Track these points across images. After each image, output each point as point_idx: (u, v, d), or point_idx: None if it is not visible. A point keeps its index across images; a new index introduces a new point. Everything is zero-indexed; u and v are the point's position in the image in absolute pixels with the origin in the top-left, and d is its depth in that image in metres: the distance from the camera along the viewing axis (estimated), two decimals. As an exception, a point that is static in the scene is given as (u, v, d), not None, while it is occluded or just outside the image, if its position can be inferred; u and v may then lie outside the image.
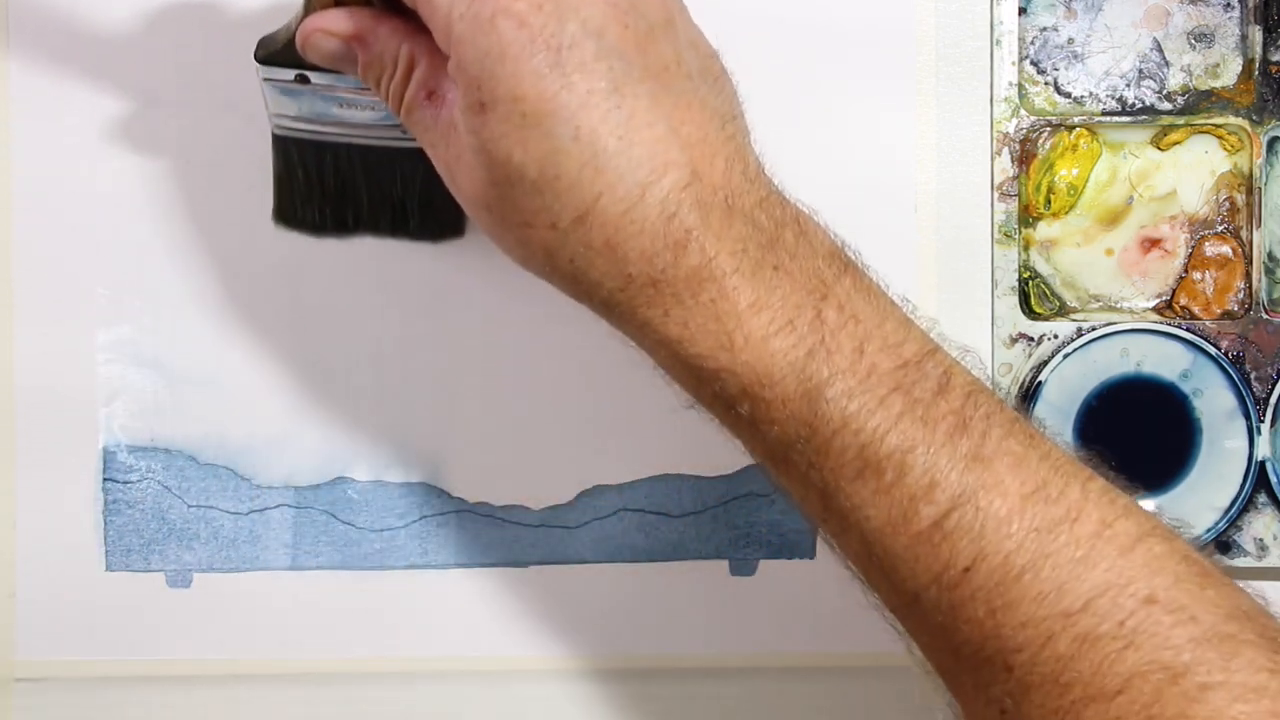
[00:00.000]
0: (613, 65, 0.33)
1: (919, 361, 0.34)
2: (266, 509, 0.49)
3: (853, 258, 0.36)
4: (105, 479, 0.49)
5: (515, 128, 0.33)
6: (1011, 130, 0.49)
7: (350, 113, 0.42)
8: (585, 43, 0.33)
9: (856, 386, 0.33)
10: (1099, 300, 0.50)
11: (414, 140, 0.38)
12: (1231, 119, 0.49)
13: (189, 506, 0.49)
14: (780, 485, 0.36)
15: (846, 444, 0.33)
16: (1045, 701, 0.32)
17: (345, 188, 0.45)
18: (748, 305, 0.34)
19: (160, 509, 0.49)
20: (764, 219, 0.35)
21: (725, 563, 0.49)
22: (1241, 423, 0.49)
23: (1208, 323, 0.49)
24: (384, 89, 0.38)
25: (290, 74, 0.41)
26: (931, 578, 0.34)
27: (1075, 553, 0.33)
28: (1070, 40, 0.50)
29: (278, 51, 0.41)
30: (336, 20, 0.38)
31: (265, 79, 0.42)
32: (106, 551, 0.49)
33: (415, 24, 0.36)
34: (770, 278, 0.34)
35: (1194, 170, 0.50)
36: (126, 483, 0.49)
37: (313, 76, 0.41)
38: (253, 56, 0.41)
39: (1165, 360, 0.49)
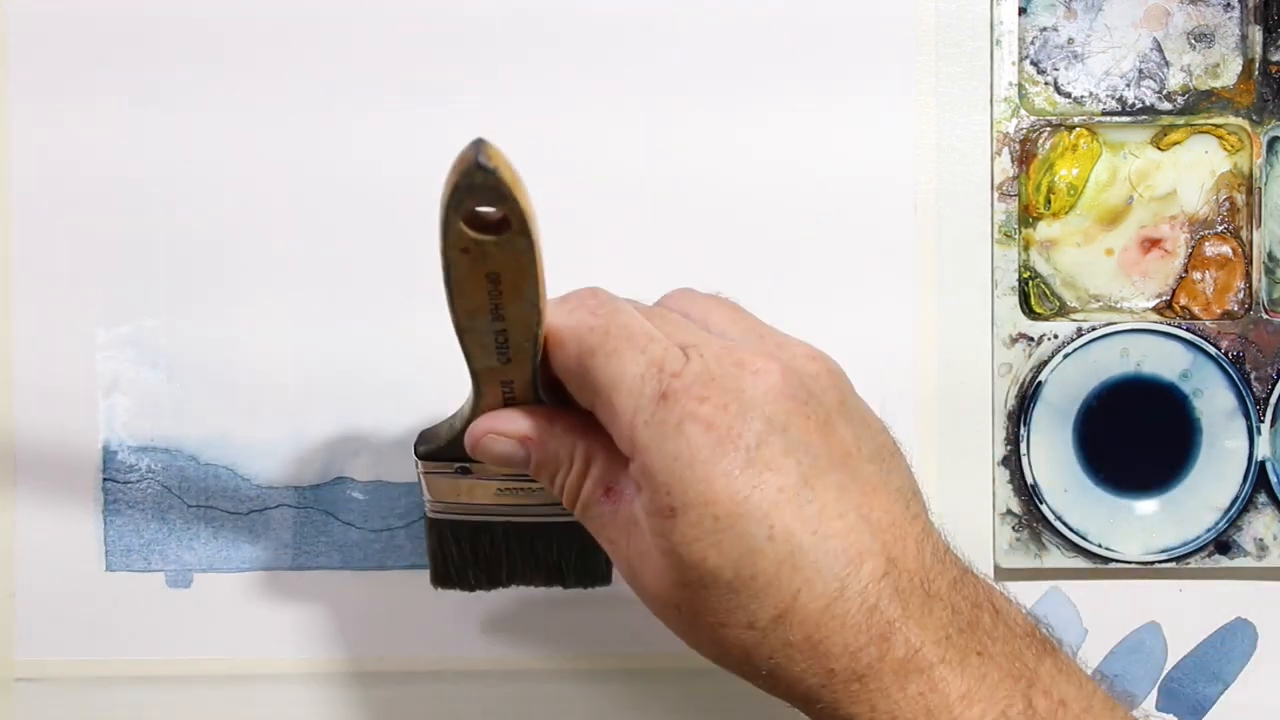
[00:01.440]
0: (800, 459, 0.33)
1: None
2: (267, 509, 0.49)
3: (1048, 635, 0.36)
4: (105, 479, 0.49)
5: (708, 531, 0.32)
6: (1011, 130, 0.49)
7: (508, 495, 0.41)
8: (772, 439, 0.33)
9: None
10: (1099, 300, 0.50)
11: (571, 516, 0.37)
12: (1231, 119, 0.49)
13: (189, 506, 0.49)
14: None
15: None
16: None
17: (500, 559, 0.43)
18: (959, 697, 0.33)
19: (160, 509, 0.49)
20: (961, 602, 0.34)
21: (725, 563, 0.49)
22: (1241, 423, 0.49)
23: (1208, 323, 0.49)
24: (558, 485, 0.37)
25: (453, 467, 0.40)
26: None
27: None
28: (1070, 40, 0.50)
29: (441, 447, 0.39)
30: (510, 421, 0.37)
31: (425, 472, 0.41)
32: (106, 551, 0.49)
33: (589, 419, 0.36)
34: (977, 666, 0.33)
35: (1194, 170, 0.50)
36: (127, 483, 0.49)
37: (473, 467, 0.40)
38: (413, 451, 0.40)
39: (1165, 360, 0.49)
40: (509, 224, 0.32)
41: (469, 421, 0.38)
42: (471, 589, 0.44)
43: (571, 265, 0.48)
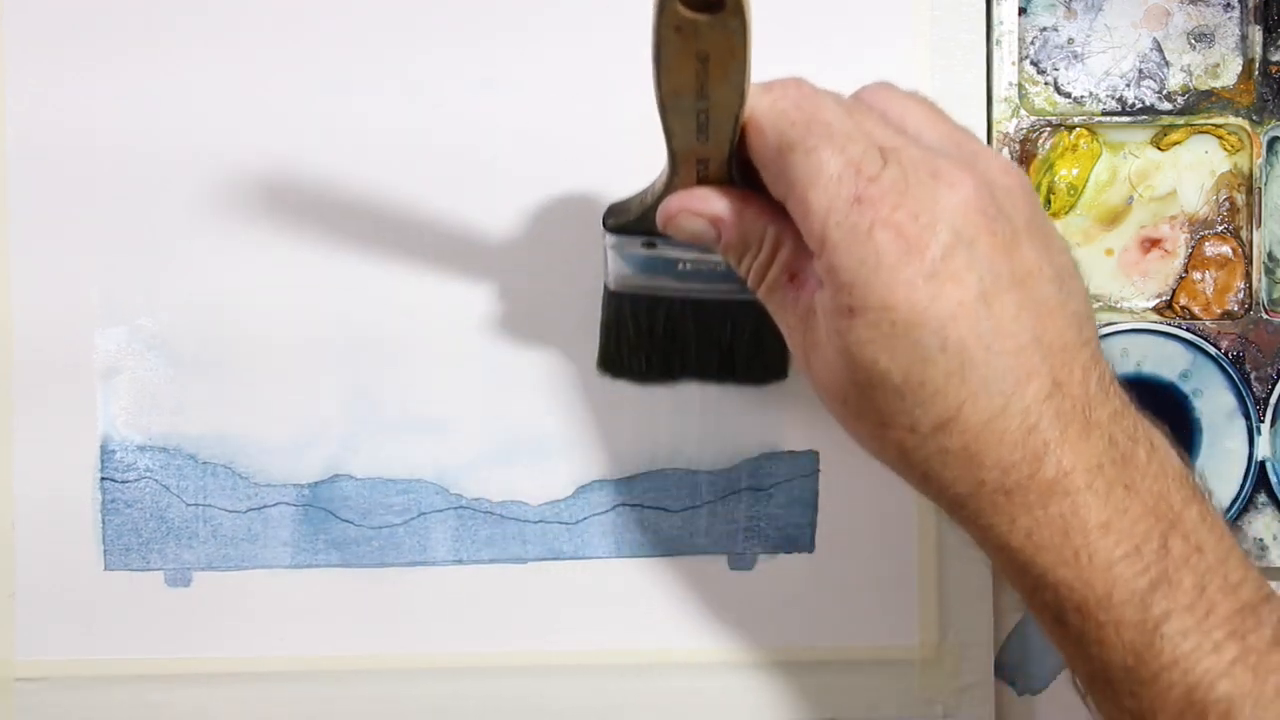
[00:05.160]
0: (982, 275, 0.33)
1: (1255, 606, 0.34)
2: (266, 507, 0.49)
3: (1199, 483, 0.36)
4: (103, 478, 0.49)
5: (883, 335, 0.33)
6: (1011, 130, 0.49)
7: (690, 271, 0.42)
8: (957, 252, 0.33)
9: (1193, 626, 0.33)
10: (1099, 300, 0.50)
11: (748, 293, 0.39)
12: (1231, 119, 0.49)
13: (188, 505, 0.49)
14: (1091, 702, 0.36)
15: (1174, 681, 0.33)
16: None
17: (675, 337, 0.45)
18: (1097, 524, 0.34)
19: (159, 507, 0.49)
20: (1119, 434, 0.35)
21: (724, 557, 0.49)
22: (1241, 423, 0.49)
23: (1208, 323, 0.49)
24: (744, 267, 0.38)
25: (639, 241, 0.41)
26: None
27: None
28: (1070, 40, 0.50)
29: (630, 221, 0.41)
30: (704, 200, 0.38)
31: (611, 246, 0.42)
32: (105, 551, 0.49)
33: (779, 204, 0.36)
34: (1121, 498, 0.34)
35: (1194, 170, 0.50)
36: (125, 481, 0.49)
37: (659, 242, 0.41)
38: (601, 224, 0.42)
39: (1165, 360, 0.49)
40: (723, 4, 0.33)
41: (660, 198, 0.39)
42: (642, 378, 0.45)
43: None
